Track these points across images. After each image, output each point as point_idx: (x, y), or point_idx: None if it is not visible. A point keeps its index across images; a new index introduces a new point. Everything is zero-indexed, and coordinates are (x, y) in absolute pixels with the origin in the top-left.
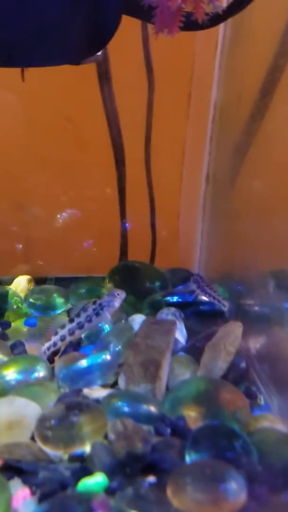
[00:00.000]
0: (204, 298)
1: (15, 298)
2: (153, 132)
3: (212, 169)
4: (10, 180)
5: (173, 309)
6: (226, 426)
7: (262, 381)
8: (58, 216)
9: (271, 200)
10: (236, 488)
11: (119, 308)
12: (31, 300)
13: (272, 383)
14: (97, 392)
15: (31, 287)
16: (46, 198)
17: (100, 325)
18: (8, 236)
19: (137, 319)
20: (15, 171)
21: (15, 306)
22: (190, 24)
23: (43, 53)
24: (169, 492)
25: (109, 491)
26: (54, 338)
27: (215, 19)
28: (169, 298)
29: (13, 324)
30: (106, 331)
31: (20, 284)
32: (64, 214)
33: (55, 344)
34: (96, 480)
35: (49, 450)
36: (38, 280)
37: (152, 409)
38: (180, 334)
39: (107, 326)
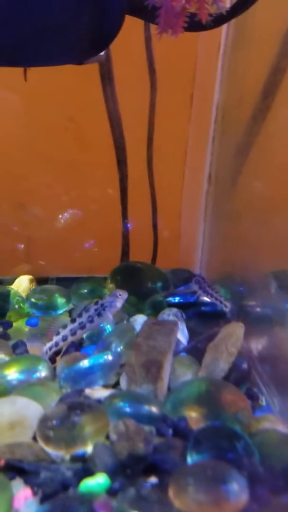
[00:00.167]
0: (206, 298)
1: (17, 298)
2: (155, 133)
3: (214, 169)
4: (12, 180)
5: (174, 309)
6: (227, 427)
7: (264, 382)
8: (60, 216)
9: (273, 200)
10: (237, 489)
11: (121, 309)
12: (32, 300)
13: (273, 384)
14: (98, 392)
15: (33, 287)
16: (48, 198)
17: (102, 325)
18: (9, 236)
19: (139, 320)
20: (17, 171)
21: (16, 306)
22: (194, 24)
23: (46, 53)
24: (170, 493)
25: (111, 492)
26: (56, 338)
27: (219, 20)
28: (170, 299)
29: (14, 324)
30: (108, 331)
31: (22, 284)
32: (65, 214)
33: (56, 344)
34: (97, 481)
35: (50, 450)
36: (40, 280)
37: (154, 409)
38: (182, 335)
39: (109, 326)
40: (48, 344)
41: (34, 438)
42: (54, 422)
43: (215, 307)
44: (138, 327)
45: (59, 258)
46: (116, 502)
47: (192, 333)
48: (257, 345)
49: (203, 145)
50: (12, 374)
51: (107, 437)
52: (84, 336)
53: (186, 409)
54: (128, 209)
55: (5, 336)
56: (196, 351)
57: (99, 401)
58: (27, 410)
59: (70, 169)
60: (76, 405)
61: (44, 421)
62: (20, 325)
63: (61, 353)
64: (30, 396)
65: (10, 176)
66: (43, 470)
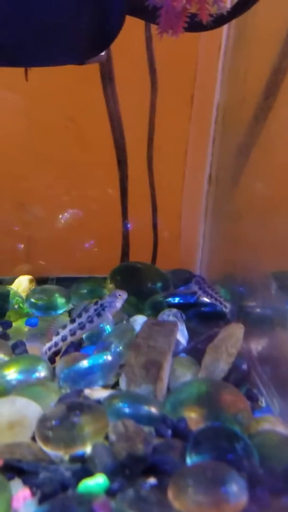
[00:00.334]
0: (206, 299)
1: (17, 298)
2: (156, 133)
3: (214, 170)
4: (12, 180)
5: (174, 310)
6: (227, 428)
7: (264, 383)
8: (60, 216)
9: (274, 201)
10: (237, 490)
11: (120, 309)
12: (32, 300)
13: (273, 385)
14: (98, 392)
15: (33, 287)
16: (48, 198)
17: (101, 325)
18: (9, 236)
19: (139, 320)
20: (17, 171)
21: (16, 306)
22: (195, 25)
23: (47, 53)
24: (170, 494)
25: (110, 493)
26: (55, 338)
27: (219, 20)
28: (170, 299)
29: (14, 324)
30: (107, 331)
31: (22, 284)
32: (66, 214)
33: (56, 344)
34: (96, 481)
35: (49, 450)
36: (40, 280)
37: (153, 410)
38: (182, 336)
39: (108, 326)
40: (48, 344)
41: (33, 438)
42: (53, 422)
43: (215, 307)
44: (137, 327)
45: (59, 258)
46: (115, 503)
47: (192, 333)
48: (257, 346)
49: (203, 146)
50: (12, 374)
51: (106, 437)
52: (84, 336)
53: (186, 409)
54: (128, 209)
55: (5, 336)
56: (196, 352)
57: (98, 402)
58: (27, 410)
59: (70, 169)
60: (76, 405)
61: (43, 421)
62: (19, 325)
63: (61, 353)
64: (30, 396)
65: (10, 176)
66: (42, 470)
